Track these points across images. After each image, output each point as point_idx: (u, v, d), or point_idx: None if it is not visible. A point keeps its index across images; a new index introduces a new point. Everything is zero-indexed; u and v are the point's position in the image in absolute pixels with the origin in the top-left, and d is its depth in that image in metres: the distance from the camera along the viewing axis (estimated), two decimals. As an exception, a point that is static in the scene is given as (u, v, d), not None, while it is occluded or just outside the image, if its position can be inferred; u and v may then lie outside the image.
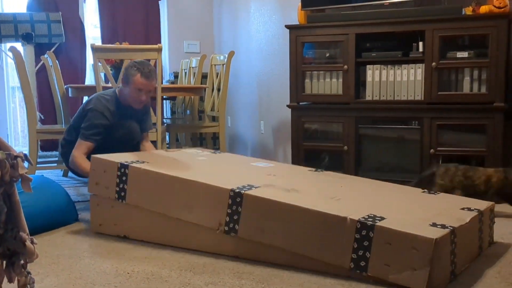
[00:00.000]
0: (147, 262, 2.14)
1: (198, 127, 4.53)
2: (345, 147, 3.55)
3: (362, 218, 1.88)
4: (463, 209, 2.15)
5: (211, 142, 5.02)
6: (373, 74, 3.44)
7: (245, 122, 5.74)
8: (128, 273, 2.02)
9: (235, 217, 2.14)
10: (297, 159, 3.75)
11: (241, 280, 1.91)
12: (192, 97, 4.73)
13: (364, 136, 3.53)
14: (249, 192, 2.13)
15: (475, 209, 2.15)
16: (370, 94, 3.47)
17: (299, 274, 1.95)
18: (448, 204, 2.25)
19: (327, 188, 2.41)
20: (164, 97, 4.72)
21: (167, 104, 6.12)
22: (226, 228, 2.16)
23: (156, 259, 2.18)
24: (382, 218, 1.88)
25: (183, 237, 2.31)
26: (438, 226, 1.85)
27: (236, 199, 2.14)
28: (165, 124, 4.39)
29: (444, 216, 2.01)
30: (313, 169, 2.76)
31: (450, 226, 1.86)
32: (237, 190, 2.14)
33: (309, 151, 3.76)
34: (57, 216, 2.72)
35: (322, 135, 3.79)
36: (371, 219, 1.87)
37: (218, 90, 4.58)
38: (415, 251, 1.75)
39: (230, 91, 5.74)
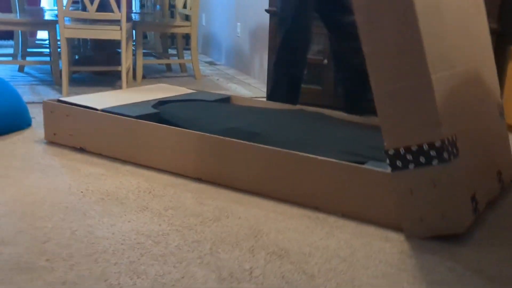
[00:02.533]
0: (103, 180, 2.07)
1: (168, 26, 4.31)
2: (325, 61, 3.42)
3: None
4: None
5: (182, 41, 4.81)
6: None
7: (220, 22, 5.50)
8: (81, 192, 1.95)
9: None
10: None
11: (203, 206, 1.86)
12: (163, -8, 4.47)
13: (346, 50, 3.39)
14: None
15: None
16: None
17: (264, 202, 1.91)
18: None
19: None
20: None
21: (136, -4, 5.81)
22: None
23: (114, 177, 2.10)
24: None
25: (145, 154, 2.23)
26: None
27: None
28: (132, 21, 4.16)
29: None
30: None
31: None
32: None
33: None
34: (7, 120, 2.59)
35: (301, 46, 3.63)
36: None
37: (192, -15, 4.32)
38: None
39: (206, -14, 5.45)
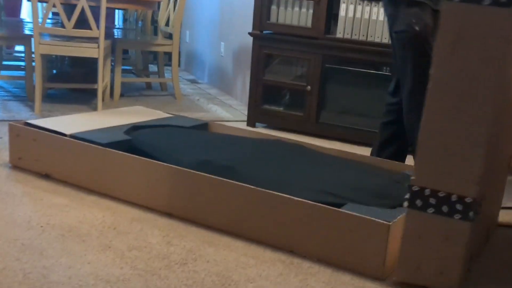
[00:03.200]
0: (66, 213, 1.95)
1: (149, 44, 4.21)
2: (308, 87, 3.34)
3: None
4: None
5: (164, 58, 4.70)
6: (347, 8, 3.19)
7: (204, 40, 5.42)
8: (41, 226, 1.83)
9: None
10: (255, 94, 3.54)
11: (169, 246, 1.75)
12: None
13: (330, 77, 3.33)
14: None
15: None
16: (342, 31, 3.22)
17: (237, 243, 1.81)
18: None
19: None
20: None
21: (119, 12, 5.72)
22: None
23: (77, 210, 1.99)
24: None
25: (113, 185, 2.12)
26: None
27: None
28: (112, 38, 4.06)
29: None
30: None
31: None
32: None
33: (269, 87, 3.54)
34: (-29, 143, 2.47)
35: (285, 71, 3.56)
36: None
37: (175, 2, 4.23)
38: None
39: (190, 2, 5.37)
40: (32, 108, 3.53)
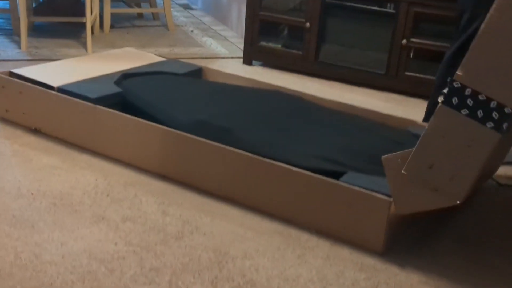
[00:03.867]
0: (57, 177, 1.90)
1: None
2: (307, 24, 3.20)
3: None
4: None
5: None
6: None
7: (197, -37, 5.16)
8: (32, 193, 1.79)
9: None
10: (251, 31, 3.39)
11: (165, 216, 1.72)
12: None
13: (330, 13, 3.17)
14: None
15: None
16: (345, -36, 3.04)
17: (234, 212, 1.77)
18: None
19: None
20: None
21: None
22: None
23: (69, 172, 1.94)
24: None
25: (105, 143, 2.05)
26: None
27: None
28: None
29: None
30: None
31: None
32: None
33: (266, 23, 3.39)
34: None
35: (283, 6, 3.39)
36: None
37: None
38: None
39: None
40: (18, 44, 3.39)
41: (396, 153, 1.52)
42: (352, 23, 3.16)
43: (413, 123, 2.18)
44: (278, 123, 2.04)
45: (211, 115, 2.03)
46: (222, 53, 3.67)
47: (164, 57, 2.76)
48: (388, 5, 3.03)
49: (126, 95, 2.19)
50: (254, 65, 3.46)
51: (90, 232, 1.61)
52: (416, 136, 2.03)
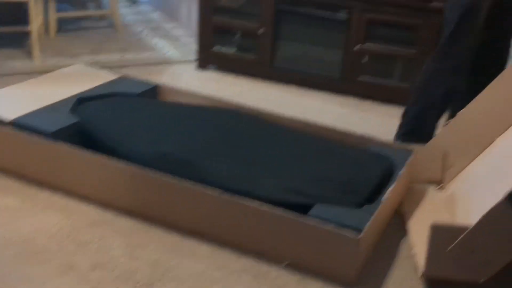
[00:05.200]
0: (19, 219, 1.87)
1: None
2: (261, 29, 3.20)
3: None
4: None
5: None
6: None
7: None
8: (-7, 242, 1.76)
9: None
10: (204, 36, 3.37)
11: (134, 260, 1.72)
12: None
13: (283, 19, 3.18)
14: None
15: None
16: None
17: (202, 250, 1.79)
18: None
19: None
20: None
21: None
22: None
23: (31, 213, 1.91)
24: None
25: (65, 179, 2.03)
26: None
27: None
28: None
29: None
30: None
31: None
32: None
33: (220, 28, 3.37)
34: None
35: (236, 11, 3.37)
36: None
37: None
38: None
39: None
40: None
41: (448, 225, 1.65)
42: (306, 29, 3.18)
43: (372, 141, 2.23)
44: (243, 151, 2.06)
45: (173, 146, 2.03)
46: (175, 57, 3.63)
47: (115, 65, 2.69)
48: (341, 11, 3.06)
49: (84, 126, 2.16)
50: (209, 70, 3.44)
51: (60, 283, 1.60)
52: (377, 156, 2.11)
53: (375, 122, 2.83)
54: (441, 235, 1.57)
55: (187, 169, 1.90)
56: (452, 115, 2.35)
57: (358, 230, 1.62)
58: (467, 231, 1.54)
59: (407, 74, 3.04)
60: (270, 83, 3.27)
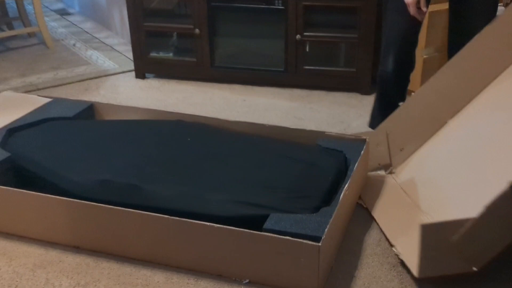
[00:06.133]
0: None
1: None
2: (197, 30, 3.09)
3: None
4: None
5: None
6: None
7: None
8: None
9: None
10: (138, 43, 3.24)
11: (85, 301, 1.61)
12: None
13: (218, 16, 3.08)
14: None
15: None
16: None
17: (157, 277, 1.69)
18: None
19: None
20: None
21: None
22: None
23: (-33, 266, 1.76)
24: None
25: (4, 220, 1.89)
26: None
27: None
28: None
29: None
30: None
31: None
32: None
33: (153, 33, 3.24)
34: None
35: (167, 13, 3.25)
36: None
37: None
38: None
39: None
40: None
41: (435, 222, 1.60)
42: (243, 23, 3.09)
43: (321, 134, 2.16)
44: (187, 168, 1.96)
45: (112, 171, 1.91)
46: (112, 68, 3.49)
47: (49, 85, 2.54)
48: (276, 2, 2.98)
49: (16, 160, 2.02)
50: (148, 78, 3.32)
51: None
52: (329, 152, 2.04)
53: (325, 112, 2.76)
54: (432, 234, 1.52)
55: (129, 195, 1.79)
56: None
57: (317, 238, 1.54)
58: (471, 222, 1.47)
59: (351, 59, 2.99)
60: (213, 85, 3.17)
